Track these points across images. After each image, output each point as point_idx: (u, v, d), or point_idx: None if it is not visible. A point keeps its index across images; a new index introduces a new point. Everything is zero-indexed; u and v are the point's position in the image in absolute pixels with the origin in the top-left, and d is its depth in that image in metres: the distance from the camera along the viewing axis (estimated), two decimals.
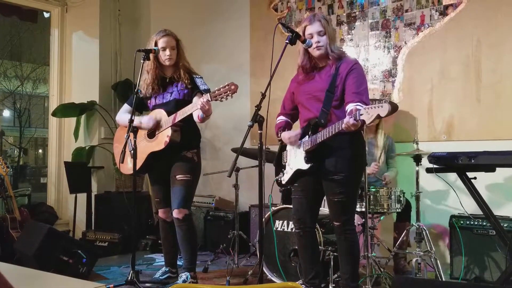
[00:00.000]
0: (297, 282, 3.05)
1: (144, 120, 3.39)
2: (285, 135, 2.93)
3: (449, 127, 3.93)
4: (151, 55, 3.37)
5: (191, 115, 3.26)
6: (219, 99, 3.04)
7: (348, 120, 2.47)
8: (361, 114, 2.40)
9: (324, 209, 3.27)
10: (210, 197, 5.07)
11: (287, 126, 3.06)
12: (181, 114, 3.25)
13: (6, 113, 16.30)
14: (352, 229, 2.86)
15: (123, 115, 3.57)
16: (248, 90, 5.05)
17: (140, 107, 3.65)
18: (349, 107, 2.65)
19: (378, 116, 2.35)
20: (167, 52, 3.38)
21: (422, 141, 3.93)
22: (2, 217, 4.30)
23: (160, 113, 3.39)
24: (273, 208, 3.54)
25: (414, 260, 3.36)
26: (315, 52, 2.84)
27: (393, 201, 3.43)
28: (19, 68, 15.20)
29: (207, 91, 3.23)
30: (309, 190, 2.91)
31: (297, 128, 3.01)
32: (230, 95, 3.01)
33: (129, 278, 3.26)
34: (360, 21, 4.42)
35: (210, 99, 3.07)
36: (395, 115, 3.95)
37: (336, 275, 3.14)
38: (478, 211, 2.99)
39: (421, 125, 3.98)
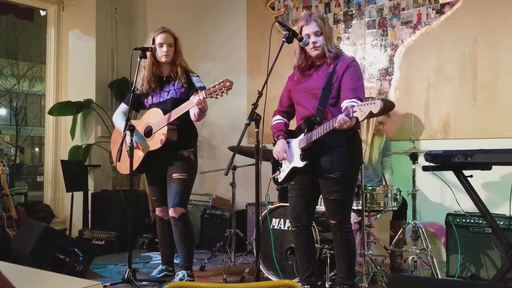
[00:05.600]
0: (294, 280, 3.06)
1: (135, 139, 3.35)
2: (278, 147, 2.90)
3: (446, 125, 3.94)
4: (148, 53, 3.37)
5: (187, 113, 3.26)
6: (214, 96, 3.04)
7: (341, 118, 2.48)
8: (354, 111, 2.40)
9: (321, 207, 3.28)
10: (207, 195, 5.07)
11: (285, 128, 3.04)
12: (176, 112, 3.25)
13: (3, 111, 16.28)
14: (348, 227, 2.86)
15: (119, 120, 3.56)
16: (245, 88, 5.05)
17: (137, 106, 3.65)
18: (345, 103, 2.65)
19: (371, 113, 2.35)
20: (164, 48, 3.38)
21: (419, 139, 3.95)
22: None
23: (156, 113, 3.39)
24: (269, 206, 3.54)
25: (410, 258, 3.37)
26: (313, 53, 2.84)
27: (390, 199, 3.43)
28: (15, 66, 15.16)
29: (203, 88, 3.24)
30: (306, 188, 2.91)
31: (293, 125, 3.02)
32: (225, 91, 3.01)
33: (125, 277, 3.26)
34: (357, 20, 4.42)
35: (205, 97, 3.08)
36: (391, 114, 3.95)
37: (332, 273, 3.15)
38: (474, 209, 2.99)
39: (417, 124, 3.98)
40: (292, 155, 2.91)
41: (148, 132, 3.42)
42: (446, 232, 3.60)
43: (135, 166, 3.34)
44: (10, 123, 16.16)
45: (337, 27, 4.52)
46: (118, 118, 3.58)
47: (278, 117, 3.08)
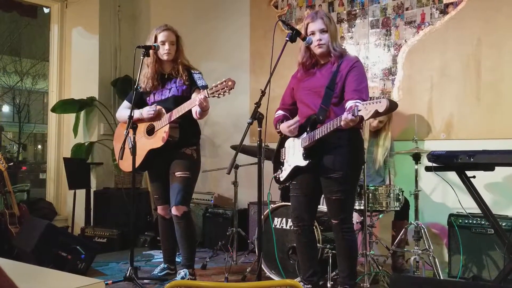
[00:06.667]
0: (296, 280, 3.06)
1: (145, 111, 3.39)
2: (284, 125, 2.91)
3: (449, 125, 3.93)
4: (151, 51, 3.37)
5: (190, 111, 3.26)
6: (216, 95, 3.04)
7: (346, 116, 2.46)
8: (359, 110, 2.39)
9: (323, 207, 3.27)
10: (209, 194, 5.07)
11: (285, 119, 3.04)
12: (177, 112, 3.25)
13: (6, 108, 16.28)
14: (350, 227, 2.86)
15: (123, 111, 3.57)
16: (248, 87, 5.04)
17: (140, 104, 3.64)
18: (349, 104, 2.64)
19: (377, 112, 2.33)
20: (166, 46, 3.38)
21: (421, 139, 3.94)
22: (1, 213, 4.29)
23: (159, 111, 3.39)
24: (272, 205, 3.54)
25: (412, 258, 3.37)
26: (317, 50, 2.83)
27: (392, 199, 3.43)
28: (18, 63, 15.16)
29: (205, 87, 3.23)
30: (308, 187, 2.91)
31: None
32: (227, 91, 3.01)
33: (127, 275, 3.26)
34: (361, 19, 4.41)
35: (207, 96, 3.07)
36: (394, 114, 3.94)
37: (334, 273, 3.15)
38: (477, 210, 2.99)
39: (420, 124, 3.97)
40: (294, 153, 2.90)
41: (151, 130, 3.42)
42: (448, 233, 3.59)
43: (137, 164, 3.34)
44: (13, 120, 16.16)
45: (340, 27, 4.51)
46: (122, 112, 3.58)
47: (279, 111, 3.08)
